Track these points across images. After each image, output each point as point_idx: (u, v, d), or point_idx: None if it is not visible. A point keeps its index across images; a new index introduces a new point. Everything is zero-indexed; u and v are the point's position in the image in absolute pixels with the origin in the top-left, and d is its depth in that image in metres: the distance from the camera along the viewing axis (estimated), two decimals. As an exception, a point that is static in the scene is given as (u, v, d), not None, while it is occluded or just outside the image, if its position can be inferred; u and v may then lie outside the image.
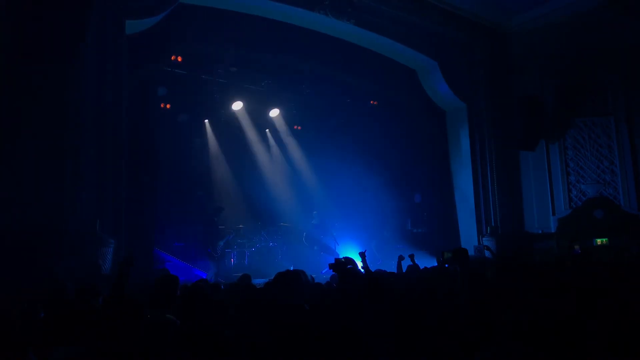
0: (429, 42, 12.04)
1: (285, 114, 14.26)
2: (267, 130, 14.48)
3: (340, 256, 6.10)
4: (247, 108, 13.46)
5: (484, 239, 12.07)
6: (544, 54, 12.33)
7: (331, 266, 4.76)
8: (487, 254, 10.48)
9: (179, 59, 10.94)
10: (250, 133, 13.88)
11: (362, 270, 5.48)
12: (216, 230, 10.79)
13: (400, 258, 7.47)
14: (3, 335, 3.03)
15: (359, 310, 3.35)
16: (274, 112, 14.11)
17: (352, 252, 11.53)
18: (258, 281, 8.82)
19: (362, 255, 6.21)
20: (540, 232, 12.26)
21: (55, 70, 7.03)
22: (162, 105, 11.61)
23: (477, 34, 12.54)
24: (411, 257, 7.52)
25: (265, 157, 14.21)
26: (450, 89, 12.44)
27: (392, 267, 7.62)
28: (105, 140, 7.82)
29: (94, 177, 7.58)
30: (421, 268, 6.78)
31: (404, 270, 7.01)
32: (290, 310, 3.24)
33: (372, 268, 5.74)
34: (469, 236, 12.59)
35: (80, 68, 7.34)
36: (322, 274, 10.62)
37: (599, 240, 11.14)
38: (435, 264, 7.68)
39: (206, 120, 13.41)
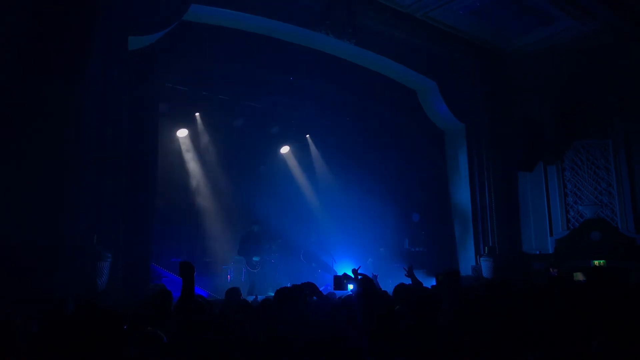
0: (428, 62, 12.16)
1: (285, 132, 14.33)
2: (266, 147, 14.52)
3: (339, 273, 6.09)
4: (248, 125, 13.52)
5: (481, 259, 12.05)
6: (542, 76, 12.46)
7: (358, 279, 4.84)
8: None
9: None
10: (251, 150, 13.92)
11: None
12: (250, 245, 11.26)
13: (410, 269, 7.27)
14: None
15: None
16: (285, 149, 14.36)
17: (349, 270, 11.50)
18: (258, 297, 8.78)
19: (355, 272, 6.18)
20: (538, 252, 12.26)
21: (56, 86, 7.07)
22: (162, 121, 11.66)
23: (476, 56, 12.67)
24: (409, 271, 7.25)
25: (264, 173, 14.23)
26: (449, 109, 12.52)
27: (387, 285, 7.54)
28: (104, 155, 7.83)
29: (91, 191, 7.58)
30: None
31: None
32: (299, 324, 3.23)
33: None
34: (466, 256, 12.58)
35: (82, 84, 7.40)
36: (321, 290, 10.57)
37: (596, 262, 11.14)
38: (433, 283, 7.59)
39: (207, 136, 13.46)
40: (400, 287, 5.18)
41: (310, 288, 4.31)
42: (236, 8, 9.50)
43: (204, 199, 13.08)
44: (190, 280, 3.86)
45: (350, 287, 5.35)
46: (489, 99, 12.82)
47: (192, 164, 12.98)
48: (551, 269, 8.14)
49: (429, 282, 8.30)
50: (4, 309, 4.76)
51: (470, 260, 12.41)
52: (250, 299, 8.76)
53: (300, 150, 14.77)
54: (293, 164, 14.63)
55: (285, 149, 14.61)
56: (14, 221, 6.64)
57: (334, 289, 5.49)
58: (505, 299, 3.84)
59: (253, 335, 3.28)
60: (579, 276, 8.15)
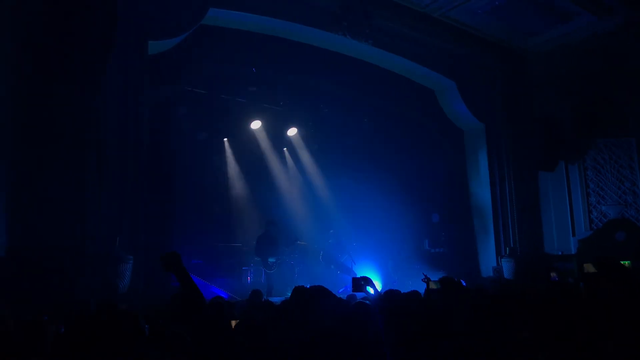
0: (446, 62, 12.09)
1: (303, 133, 14.38)
2: (284, 149, 14.59)
3: (357, 275, 6.06)
4: (266, 127, 13.61)
5: (502, 260, 11.92)
6: (562, 74, 12.29)
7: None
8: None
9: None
10: (269, 152, 13.99)
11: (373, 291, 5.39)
12: (265, 245, 11.19)
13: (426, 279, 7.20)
14: (23, 352, 3.09)
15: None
16: (292, 131, 14.25)
17: (368, 272, 11.47)
18: (275, 299, 8.79)
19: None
20: (560, 253, 12.09)
21: (77, 91, 7.19)
22: (181, 124, 11.79)
23: (494, 55, 12.57)
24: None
25: (282, 175, 14.28)
26: (468, 109, 12.43)
27: (408, 288, 7.49)
28: (126, 158, 7.96)
29: (113, 194, 7.70)
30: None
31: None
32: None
33: (389, 288, 5.68)
34: (487, 257, 12.46)
35: (103, 88, 7.51)
36: (339, 293, 10.56)
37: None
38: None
39: (225, 139, 13.57)
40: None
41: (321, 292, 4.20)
42: (253, 11, 9.58)
43: (225, 200, 13.17)
44: (182, 271, 3.34)
45: (371, 290, 5.28)
46: (508, 98, 12.70)
47: (213, 166, 13.09)
48: (551, 274, 7.88)
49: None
50: (30, 310, 4.85)
51: (491, 261, 12.29)
52: None
53: (319, 151, 14.79)
54: (311, 165, 14.65)
55: (303, 150, 14.65)
56: (36, 225, 6.77)
57: (352, 291, 5.46)
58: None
59: (271, 339, 3.30)
60: (589, 268, 7.89)
